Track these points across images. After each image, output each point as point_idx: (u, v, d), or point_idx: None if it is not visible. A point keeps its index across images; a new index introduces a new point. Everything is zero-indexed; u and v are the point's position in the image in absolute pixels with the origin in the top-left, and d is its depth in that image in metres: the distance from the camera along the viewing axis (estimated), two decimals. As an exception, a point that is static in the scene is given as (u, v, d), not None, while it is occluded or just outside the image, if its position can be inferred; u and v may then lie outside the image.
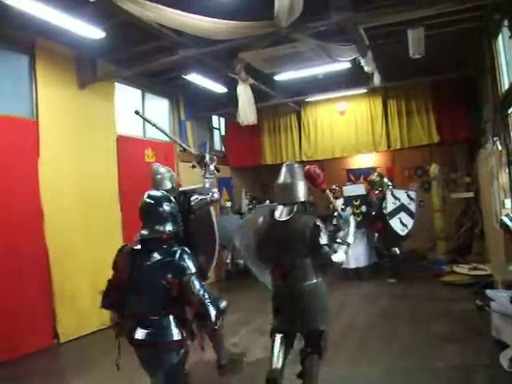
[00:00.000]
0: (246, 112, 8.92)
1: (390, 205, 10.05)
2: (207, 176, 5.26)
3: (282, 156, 12.83)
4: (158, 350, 3.28)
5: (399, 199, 10.14)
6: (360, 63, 8.21)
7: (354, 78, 10.55)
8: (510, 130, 7.69)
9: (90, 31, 6.47)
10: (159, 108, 10.84)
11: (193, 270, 3.26)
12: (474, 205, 11.75)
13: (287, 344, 3.99)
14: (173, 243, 3.44)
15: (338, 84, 11.16)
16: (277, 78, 9.48)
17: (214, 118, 13.24)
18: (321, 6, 6.20)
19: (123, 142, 8.84)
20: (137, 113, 5.49)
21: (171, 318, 3.27)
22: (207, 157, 5.31)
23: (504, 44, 7.49)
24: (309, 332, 3.99)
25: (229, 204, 12.18)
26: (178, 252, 3.32)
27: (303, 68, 8.69)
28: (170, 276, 3.21)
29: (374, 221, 10.34)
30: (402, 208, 10.05)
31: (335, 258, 3.97)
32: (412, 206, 10.19)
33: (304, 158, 12.66)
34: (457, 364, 4.94)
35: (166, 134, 6.26)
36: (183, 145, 6.55)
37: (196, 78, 9.38)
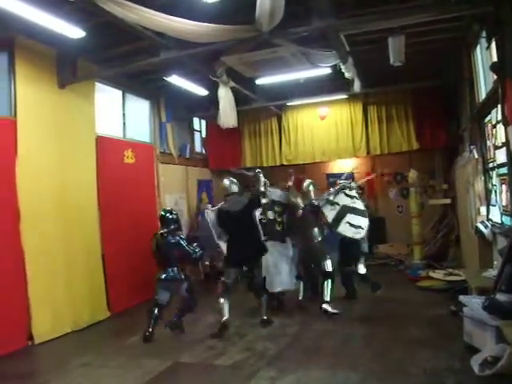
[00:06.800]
0: (227, 115, 8.91)
1: (329, 214, 8.24)
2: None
3: (262, 159, 12.87)
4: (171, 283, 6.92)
5: (337, 203, 8.39)
6: (341, 69, 8.27)
7: (335, 83, 10.67)
8: (486, 138, 7.83)
9: (70, 30, 6.41)
10: (140, 109, 10.79)
11: (185, 244, 6.93)
12: (450, 211, 11.89)
13: None
14: (179, 233, 7.05)
15: (318, 89, 11.25)
16: (258, 81, 9.49)
17: (196, 120, 13.23)
18: (302, 12, 6.26)
19: (103, 143, 8.78)
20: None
21: (176, 268, 6.93)
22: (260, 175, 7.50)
23: (482, 55, 7.62)
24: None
25: (209, 206, 12.13)
26: (178, 238, 6.93)
27: (284, 73, 8.71)
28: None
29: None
30: (346, 210, 8.29)
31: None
32: (358, 204, 8.47)
33: (284, 162, 12.74)
34: (429, 368, 5.00)
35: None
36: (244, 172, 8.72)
37: (177, 80, 9.36)
